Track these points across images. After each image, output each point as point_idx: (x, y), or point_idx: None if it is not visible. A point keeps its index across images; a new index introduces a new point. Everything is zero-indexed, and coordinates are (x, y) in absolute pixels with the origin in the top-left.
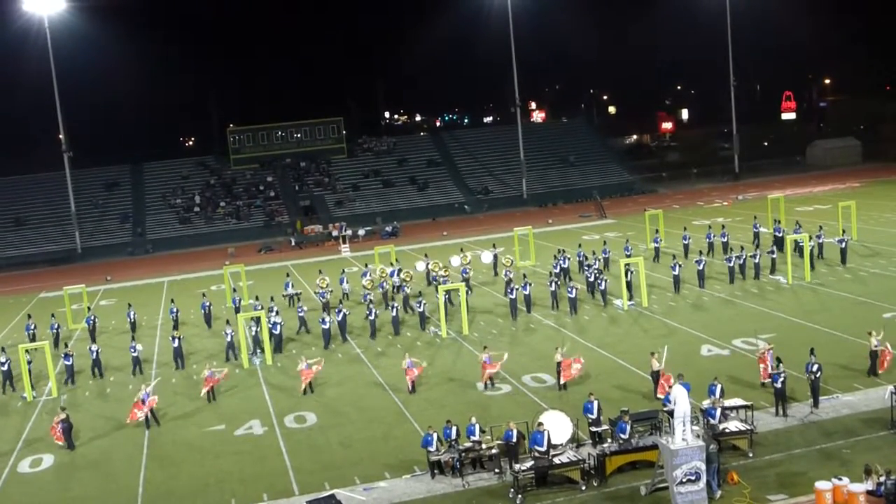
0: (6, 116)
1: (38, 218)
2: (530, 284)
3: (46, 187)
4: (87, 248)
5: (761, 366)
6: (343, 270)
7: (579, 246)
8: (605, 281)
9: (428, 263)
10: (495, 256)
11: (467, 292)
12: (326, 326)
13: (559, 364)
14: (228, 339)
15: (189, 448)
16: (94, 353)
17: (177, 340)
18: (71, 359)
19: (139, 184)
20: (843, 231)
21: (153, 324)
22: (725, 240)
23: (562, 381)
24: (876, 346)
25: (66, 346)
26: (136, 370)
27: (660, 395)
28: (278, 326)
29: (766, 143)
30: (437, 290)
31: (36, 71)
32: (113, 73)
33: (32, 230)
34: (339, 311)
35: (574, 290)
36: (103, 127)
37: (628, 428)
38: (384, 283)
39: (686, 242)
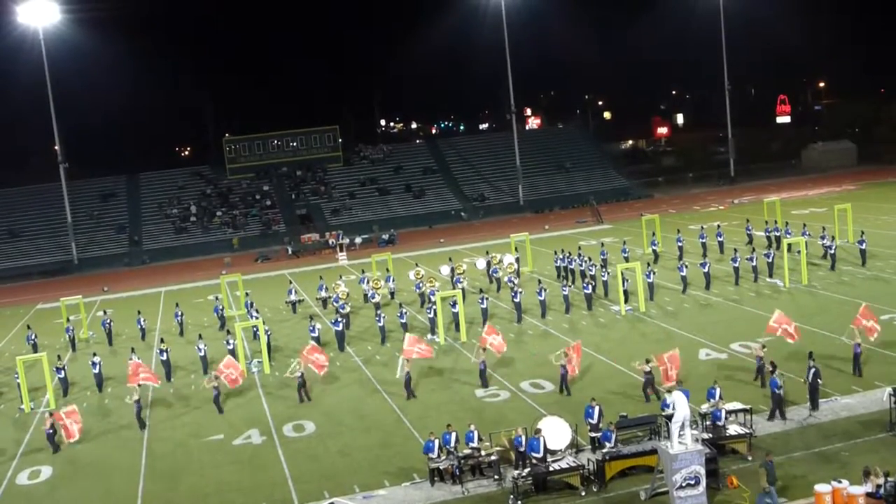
0: (1, 128)
1: (33, 229)
2: (545, 290)
3: (41, 199)
4: (83, 259)
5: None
6: (320, 277)
7: (579, 248)
8: (608, 274)
9: (489, 259)
10: (517, 260)
11: (482, 300)
12: (315, 335)
13: (563, 367)
14: (230, 347)
15: (188, 458)
16: (97, 367)
17: (165, 354)
18: (63, 371)
19: (135, 194)
20: (862, 233)
21: (151, 333)
22: (721, 240)
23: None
24: (855, 342)
25: (59, 358)
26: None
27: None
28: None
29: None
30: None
31: (31, 82)
32: (108, 83)
33: (28, 242)
34: (337, 321)
35: (590, 287)
36: (99, 138)
37: (613, 437)
38: (375, 294)
39: (680, 245)
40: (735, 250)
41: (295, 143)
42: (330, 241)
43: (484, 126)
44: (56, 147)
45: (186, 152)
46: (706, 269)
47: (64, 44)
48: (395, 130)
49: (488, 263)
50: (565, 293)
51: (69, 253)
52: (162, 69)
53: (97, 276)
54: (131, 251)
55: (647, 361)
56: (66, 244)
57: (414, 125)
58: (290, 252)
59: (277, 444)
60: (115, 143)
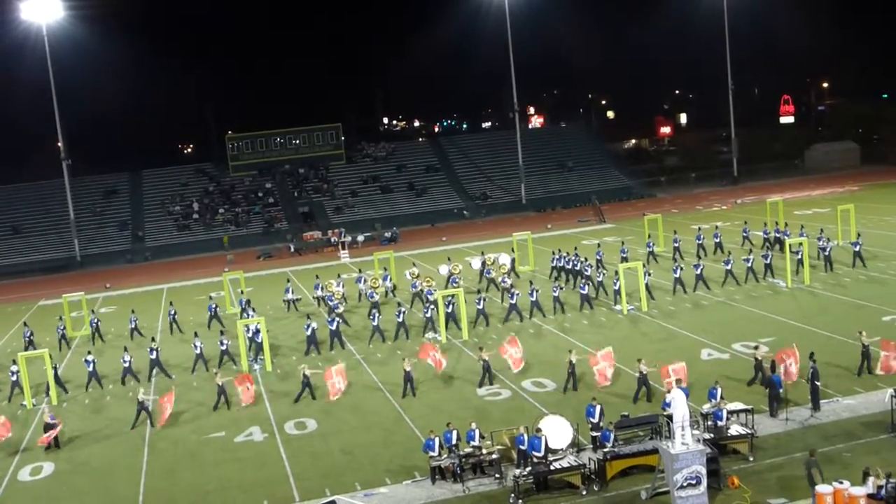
0: (4, 124)
1: (35, 226)
2: (537, 291)
3: (44, 195)
4: (85, 255)
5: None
6: (317, 277)
7: (575, 249)
8: (603, 275)
9: (484, 260)
10: (512, 261)
11: (479, 300)
12: (309, 333)
13: (572, 365)
14: (223, 347)
15: (189, 455)
16: (91, 365)
17: (154, 353)
18: (56, 370)
19: (138, 191)
20: (858, 235)
21: (152, 330)
22: (718, 240)
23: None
24: (866, 344)
25: (51, 357)
26: (125, 379)
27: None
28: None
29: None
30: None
31: (34, 79)
32: (111, 80)
33: (30, 238)
34: (332, 320)
35: (586, 287)
36: (101, 134)
37: (612, 436)
38: (373, 294)
39: (676, 245)
40: (729, 252)
41: (297, 141)
42: (332, 239)
43: (487, 124)
44: (59, 143)
45: (189, 149)
46: (699, 271)
47: (67, 41)
48: (398, 128)
49: (483, 263)
50: (556, 294)
51: (72, 249)
52: (165, 66)
53: (100, 273)
54: (134, 248)
55: (639, 360)
56: (69, 241)
57: (416, 123)
58: (292, 250)
59: (279, 442)
60: (118, 139)
